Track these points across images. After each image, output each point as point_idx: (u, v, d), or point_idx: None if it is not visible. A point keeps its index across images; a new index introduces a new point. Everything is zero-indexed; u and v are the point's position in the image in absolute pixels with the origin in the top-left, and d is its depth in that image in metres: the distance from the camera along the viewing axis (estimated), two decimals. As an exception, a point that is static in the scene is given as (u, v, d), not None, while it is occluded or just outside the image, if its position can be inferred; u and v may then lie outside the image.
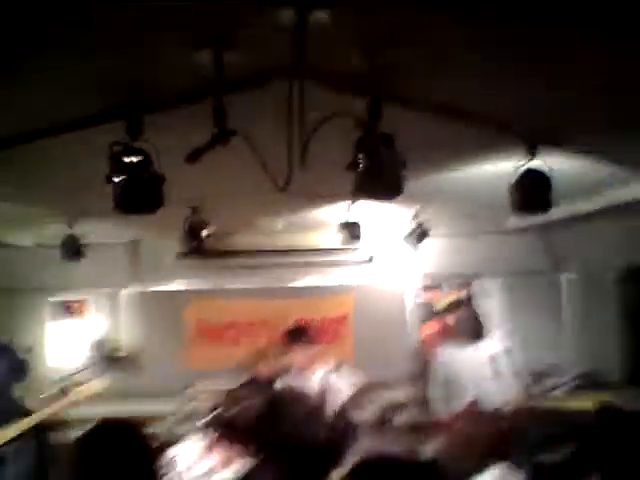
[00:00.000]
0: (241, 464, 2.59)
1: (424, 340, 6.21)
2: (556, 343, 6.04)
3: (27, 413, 4.55)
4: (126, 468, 1.95)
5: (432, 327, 6.22)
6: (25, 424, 4.42)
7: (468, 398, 4.66)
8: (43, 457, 5.16)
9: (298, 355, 4.37)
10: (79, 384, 4.71)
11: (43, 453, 5.18)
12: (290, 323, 5.93)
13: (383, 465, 1.47)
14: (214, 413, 2.79)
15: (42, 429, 4.92)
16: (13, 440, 4.43)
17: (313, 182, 2.75)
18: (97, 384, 4.74)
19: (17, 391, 4.64)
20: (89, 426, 2.09)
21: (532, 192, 2.77)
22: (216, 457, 2.63)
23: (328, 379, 4.34)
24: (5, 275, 5.79)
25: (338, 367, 4.41)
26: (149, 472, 2.05)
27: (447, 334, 5.03)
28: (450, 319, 4.97)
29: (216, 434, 2.70)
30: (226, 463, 2.59)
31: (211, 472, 2.58)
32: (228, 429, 2.65)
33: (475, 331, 4.85)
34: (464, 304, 5.25)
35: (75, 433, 4.57)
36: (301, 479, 1.93)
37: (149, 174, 2.36)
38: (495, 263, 6.09)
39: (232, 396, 2.75)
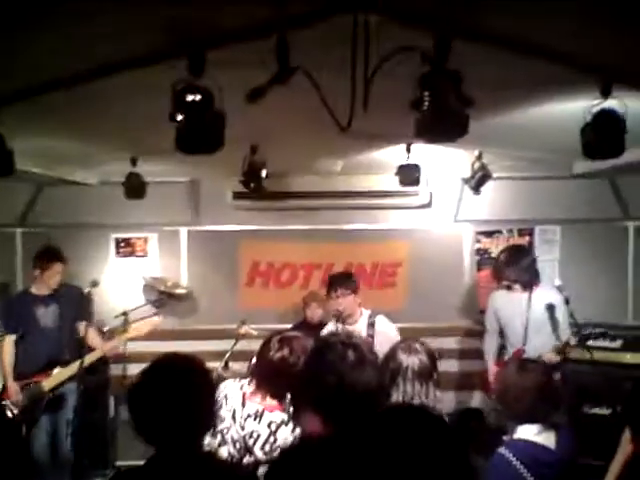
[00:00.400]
0: (285, 409, 2.62)
1: (481, 287, 6.15)
2: (619, 294, 5.88)
3: (89, 349, 4.75)
4: (188, 400, 2.00)
5: (489, 274, 6.14)
6: (87, 360, 4.60)
7: (516, 347, 4.65)
8: (103, 391, 5.54)
9: (344, 300, 4.40)
10: (138, 320, 4.90)
11: (103, 386, 5.51)
12: (342, 267, 6.00)
13: (403, 415, 1.45)
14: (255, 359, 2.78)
15: (103, 363, 5.25)
16: (73, 376, 4.68)
17: (374, 122, 2.68)
18: (155, 321, 4.90)
19: (80, 327, 4.87)
20: (149, 361, 2.15)
21: (605, 135, 2.63)
22: (263, 399, 2.64)
23: (373, 324, 4.38)
24: (70, 212, 5.99)
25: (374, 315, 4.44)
26: (210, 406, 2.11)
27: (503, 281, 4.96)
28: (507, 265, 4.90)
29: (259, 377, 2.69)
30: (271, 407, 2.61)
31: (260, 414, 2.59)
32: (271, 373, 2.63)
33: (532, 279, 4.78)
34: (524, 250, 5.13)
35: (133, 368, 4.83)
36: (349, 424, 1.93)
37: (210, 113, 2.35)
38: (558, 209, 5.91)
39: (278, 339, 2.72)
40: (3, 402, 4.60)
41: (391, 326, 4.41)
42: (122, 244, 6.24)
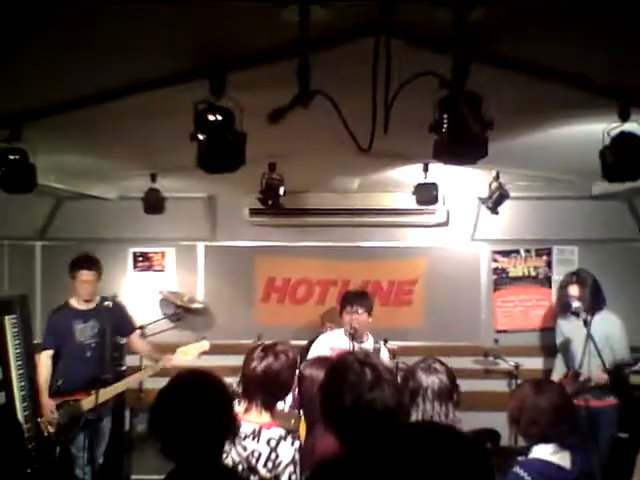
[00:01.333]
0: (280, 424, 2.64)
1: (497, 307, 6.12)
2: (637, 315, 5.81)
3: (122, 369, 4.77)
4: (207, 415, 2.02)
5: (507, 294, 6.12)
6: (133, 381, 4.56)
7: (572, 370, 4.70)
8: (119, 404, 5.28)
9: (359, 318, 4.42)
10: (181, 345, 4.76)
11: (119, 399, 5.22)
12: (358, 284, 6.01)
13: (426, 434, 1.45)
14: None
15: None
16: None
17: (393, 142, 2.70)
18: (204, 346, 4.75)
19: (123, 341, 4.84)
20: (166, 374, 2.18)
21: (624, 157, 2.63)
22: (257, 417, 2.66)
23: (378, 351, 4.40)
24: (89, 226, 6.06)
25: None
26: (229, 420, 2.13)
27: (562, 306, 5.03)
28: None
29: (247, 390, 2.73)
30: (267, 425, 2.61)
31: (257, 432, 2.60)
32: (259, 383, 2.67)
33: (595, 304, 4.81)
34: (578, 278, 5.13)
35: (150, 381, 4.80)
36: (366, 443, 1.92)
37: (231, 133, 2.39)
38: (575, 230, 5.88)
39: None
40: (39, 419, 4.41)
41: (387, 362, 4.44)
42: (140, 258, 6.29)
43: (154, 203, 5.07)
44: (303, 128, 3.02)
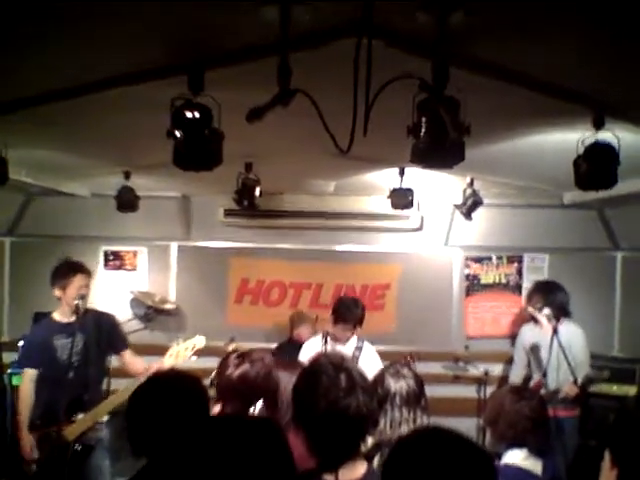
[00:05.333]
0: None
1: (469, 312, 6.17)
2: (605, 325, 5.91)
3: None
4: (181, 418, 2.00)
5: (478, 300, 6.17)
6: (116, 401, 3.84)
7: (538, 379, 4.72)
8: None
9: (343, 331, 4.40)
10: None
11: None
12: (331, 287, 5.98)
13: (426, 438, 1.45)
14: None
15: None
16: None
17: (371, 145, 2.70)
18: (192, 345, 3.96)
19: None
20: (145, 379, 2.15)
21: (598, 167, 2.67)
22: None
23: (360, 349, 4.40)
24: (61, 223, 5.97)
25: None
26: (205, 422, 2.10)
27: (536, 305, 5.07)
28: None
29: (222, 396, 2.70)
30: None
31: None
32: (235, 389, 2.64)
33: (561, 314, 4.86)
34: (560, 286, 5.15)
35: (119, 383, 4.36)
36: (336, 448, 1.91)
37: (209, 130, 2.37)
38: (547, 238, 5.96)
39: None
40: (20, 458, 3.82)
41: (376, 356, 4.42)
42: (111, 257, 6.21)
43: (127, 201, 5.00)
44: (281, 128, 3.01)
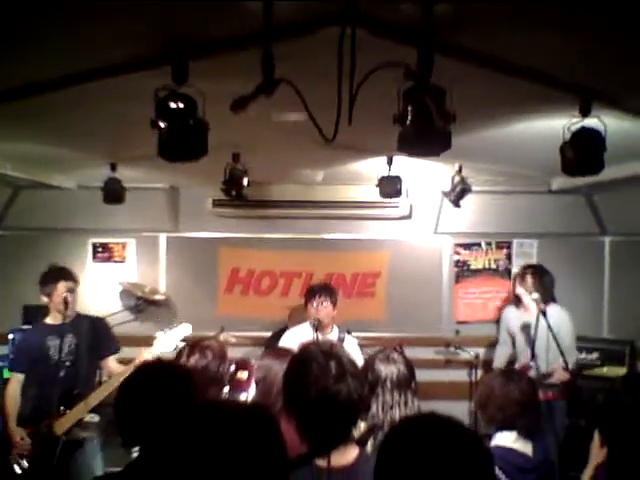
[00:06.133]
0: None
1: (459, 298, 6.20)
2: (594, 308, 5.96)
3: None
4: (169, 406, 2.01)
5: (468, 286, 6.20)
6: (99, 395, 3.92)
7: (524, 362, 4.73)
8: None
9: (325, 310, 4.44)
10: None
11: None
12: (322, 276, 6.01)
13: (421, 424, 1.46)
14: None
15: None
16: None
17: (358, 134, 2.70)
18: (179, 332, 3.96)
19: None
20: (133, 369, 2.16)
21: (585, 153, 2.68)
22: None
23: (343, 340, 4.43)
24: (49, 216, 5.92)
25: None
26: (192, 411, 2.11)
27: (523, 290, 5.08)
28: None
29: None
30: None
31: None
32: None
33: (548, 298, 4.88)
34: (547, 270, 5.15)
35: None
36: (327, 434, 1.92)
37: (194, 121, 2.35)
38: (535, 223, 5.99)
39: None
40: (10, 455, 3.90)
41: (357, 350, 4.45)
42: (100, 249, 6.18)
43: (114, 193, 4.97)
44: (266, 118, 3.00)
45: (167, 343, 3.86)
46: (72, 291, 4.14)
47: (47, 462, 3.80)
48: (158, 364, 2.25)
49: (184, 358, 2.74)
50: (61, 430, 3.89)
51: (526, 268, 5.15)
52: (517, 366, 4.89)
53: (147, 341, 4.59)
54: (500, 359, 5.21)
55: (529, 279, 4.95)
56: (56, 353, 4.06)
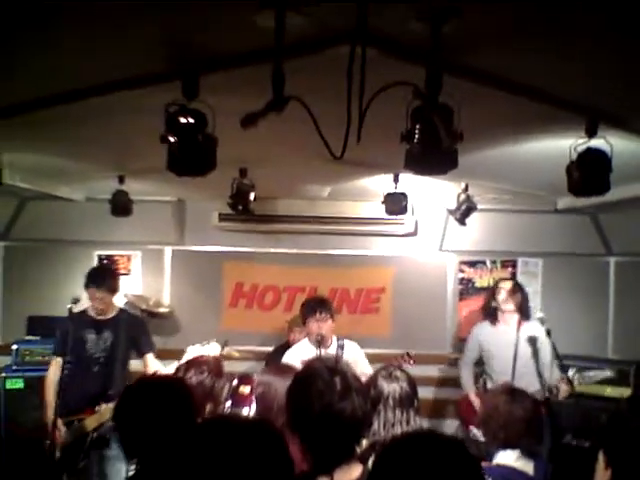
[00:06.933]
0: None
1: (463, 316, 6.18)
2: (599, 328, 5.94)
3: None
4: (168, 420, 2.01)
5: (472, 304, 6.18)
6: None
7: (502, 380, 4.64)
8: None
9: (325, 325, 4.42)
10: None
11: None
12: (326, 291, 6.00)
13: (416, 442, 1.45)
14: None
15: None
16: None
17: (365, 151, 2.72)
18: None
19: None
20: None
21: (591, 173, 2.68)
22: None
23: (342, 347, 4.41)
24: (55, 227, 5.95)
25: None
26: (188, 424, 2.11)
27: (487, 312, 5.00)
28: (491, 297, 4.96)
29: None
30: None
31: None
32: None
33: (517, 311, 4.81)
34: (521, 285, 5.10)
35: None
36: (331, 452, 1.91)
37: (203, 136, 2.37)
38: (541, 242, 5.98)
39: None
40: (46, 441, 4.00)
41: (359, 352, 4.44)
42: (105, 262, 6.19)
43: (121, 205, 5.00)
44: (276, 134, 3.02)
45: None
46: (100, 300, 4.31)
47: (76, 455, 3.98)
48: (156, 378, 2.25)
49: (181, 374, 2.75)
50: (91, 426, 4.02)
51: (501, 282, 5.06)
52: (490, 384, 4.78)
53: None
54: (469, 382, 5.02)
55: (506, 294, 4.85)
56: (92, 347, 4.27)
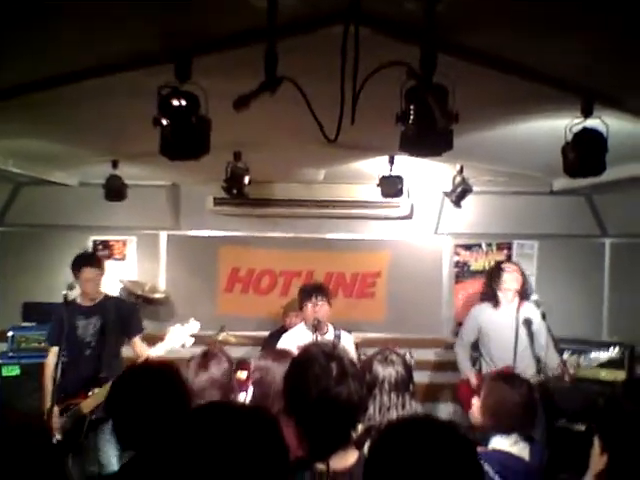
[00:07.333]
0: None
1: (459, 299, 6.19)
2: (594, 310, 5.95)
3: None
4: (161, 408, 2.00)
5: (468, 287, 6.19)
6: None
7: (501, 363, 4.65)
8: None
9: (322, 309, 4.43)
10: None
11: None
12: (322, 276, 6.01)
13: (413, 427, 1.45)
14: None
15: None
16: None
17: (360, 133, 2.70)
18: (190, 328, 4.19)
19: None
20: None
21: (586, 154, 2.67)
22: None
23: (339, 337, 4.43)
24: (50, 212, 5.93)
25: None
26: (183, 412, 2.10)
27: (488, 294, 4.97)
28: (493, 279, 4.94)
29: None
30: None
31: None
32: None
33: (518, 293, 4.80)
34: (517, 266, 5.06)
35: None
36: (327, 437, 1.91)
37: (196, 118, 2.35)
38: (536, 224, 5.97)
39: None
40: (44, 427, 4.10)
41: (352, 346, 4.45)
42: (100, 247, 6.18)
43: (115, 190, 4.98)
44: (269, 117, 2.99)
45: (178, 338, 4.11)
46: (93, 280, 4.43)
47: (76, 438, 4.12)
48: (148, 365, 2.23)
49: (201, 367, 2.74)
50: (88, 409, 4.13)
51: (503, 265, 4.98)
52: (489, 368, 4.77)
53: (146, 339, 4.63)
54: (467, 364, 4.94)
55: (510, 275, 4.78)
56: (83, 332, 4.40)
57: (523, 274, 4.86)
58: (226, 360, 2.81)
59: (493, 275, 4.97)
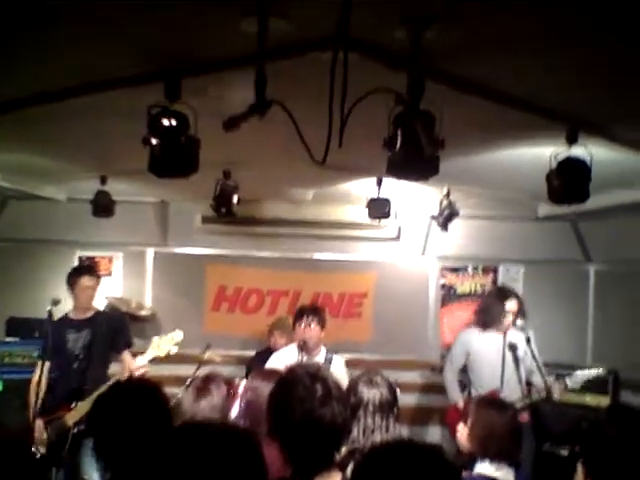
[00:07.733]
0: None
1: (444, 322, 6.20)
2: (578, 335, 5.98)
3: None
4: (144, 426, 1.98)
5: (454, 310, 6.21)
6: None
7: (489, 389, 4.63)
8: None
9: (312, 331, 4.40)
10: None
11: None
12: (309, 295, 6.00)
13: (396, 451, 1.45)
14: None
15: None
16: None
17: (348, 155, 2.72)
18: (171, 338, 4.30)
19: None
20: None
21: (570, 181, 2.71)
22: None
23: (330, 361, 4.40)
24: (37, 227, 5.89)
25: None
26: (165, 431, 2.08)
27: (483, 318, 4.92)
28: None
29: None
30: None
31: None
32: None
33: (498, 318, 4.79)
34: (516, 294, 5.02)
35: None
36: (311, 458, 1.90)
37: (185, 138, 2.36)
38: (522, 249, 6.02)
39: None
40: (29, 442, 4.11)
41: (344, 370, 4.41)
42: (86, 262, 6.13)
43: (103, 206, 4.96)
44: (259, 137, 3.02)
45: (161, 348, 4.19)
46: (91, 289, 4.47)
47: (59, 450, 4.13)
48: (131, 382, 2.21)
49: (201, 392, 2.76)
50: (72, 421, 4.14)
51: (503, 290, 4.87)
52: (478, 393, 4.70)
53: (132, 356, 4.59)
54: (457, 390, 4.84)
55: (509, 302, 4.75)
56: (72, 345, 4.41)
57: (521, 303, 4.80)
58: (223, 382, 2.83)
59: (494, 301, 4.82)
